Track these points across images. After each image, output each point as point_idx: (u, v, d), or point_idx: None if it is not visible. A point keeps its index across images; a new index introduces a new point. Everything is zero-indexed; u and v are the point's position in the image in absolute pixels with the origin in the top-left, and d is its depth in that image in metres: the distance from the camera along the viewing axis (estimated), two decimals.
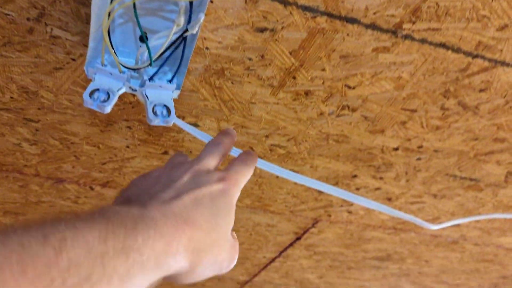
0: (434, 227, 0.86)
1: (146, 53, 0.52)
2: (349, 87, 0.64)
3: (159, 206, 0.36)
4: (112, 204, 0.38)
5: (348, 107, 0.68)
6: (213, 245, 0.38)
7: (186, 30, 0.50)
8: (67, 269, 0.27)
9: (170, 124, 0.56)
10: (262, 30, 0.55)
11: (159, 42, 0.50)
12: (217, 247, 0.38)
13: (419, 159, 0.81)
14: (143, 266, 0.31)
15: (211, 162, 0.44)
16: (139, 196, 0.39)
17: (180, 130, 0.75)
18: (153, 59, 0.50)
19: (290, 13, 0.53)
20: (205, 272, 0.38)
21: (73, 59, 0.60)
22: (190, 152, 0.81)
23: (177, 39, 0.50)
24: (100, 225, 0.31)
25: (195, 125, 0.73)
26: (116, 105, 0.68)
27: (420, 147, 0.78)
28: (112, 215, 0.33)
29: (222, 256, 0.39)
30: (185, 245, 0.35)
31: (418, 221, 0.83)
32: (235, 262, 0.41)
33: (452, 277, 1.45)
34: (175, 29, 0.48)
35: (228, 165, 0.45)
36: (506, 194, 0.94)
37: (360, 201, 0.82)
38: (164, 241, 0.34)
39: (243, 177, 0.44)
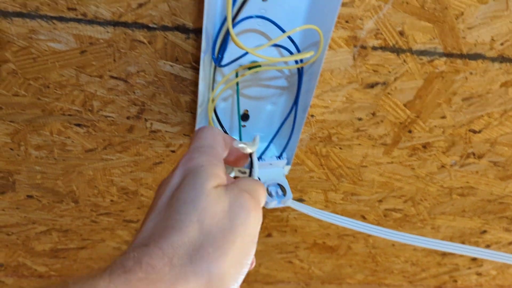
0: None
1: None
2: (474, 132, 0.56)
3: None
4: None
5: (474, 155, 0.60)
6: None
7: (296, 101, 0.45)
8: None
9: (288, 204, 0.50)
10: (372, 85, 0.50)
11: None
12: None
13: None
14: None
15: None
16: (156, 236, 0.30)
17: (284, 209, 0.69)
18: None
19: (404, 61, 0.48)
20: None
21: (173, 151, 0.57)
22: (296, 231, 0.74)
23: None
24: None
25: (301, 200, 0.67)
26: None
27: None
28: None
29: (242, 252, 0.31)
30: None
31: None
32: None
33: None
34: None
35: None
36: None
37: (494, 256, 0.71)
38: None
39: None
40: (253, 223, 0.32)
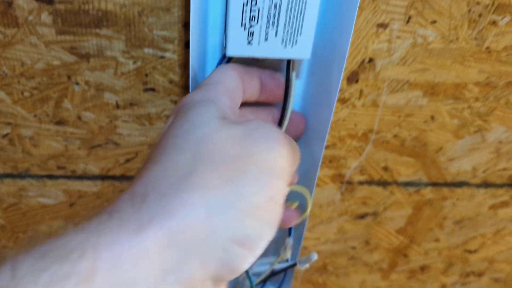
0: None
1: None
2: (470, 252, 0.56)
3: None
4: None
5: (473, 273, 0.59)
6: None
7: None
8: None
9: None
10: (362, 216, 0.50)
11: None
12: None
13: None
14: None
15: None
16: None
17: None
18: (254, 283, 0.45)
19: (391, 192, 0.48)
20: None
21: None
22: None
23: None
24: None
25: None
26: None
27: None
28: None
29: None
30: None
31: None
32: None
33: None
34: (278, 260, 0.43)
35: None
36: None
37: None
38: None
39: None
40: (281, 156, 0.22)
